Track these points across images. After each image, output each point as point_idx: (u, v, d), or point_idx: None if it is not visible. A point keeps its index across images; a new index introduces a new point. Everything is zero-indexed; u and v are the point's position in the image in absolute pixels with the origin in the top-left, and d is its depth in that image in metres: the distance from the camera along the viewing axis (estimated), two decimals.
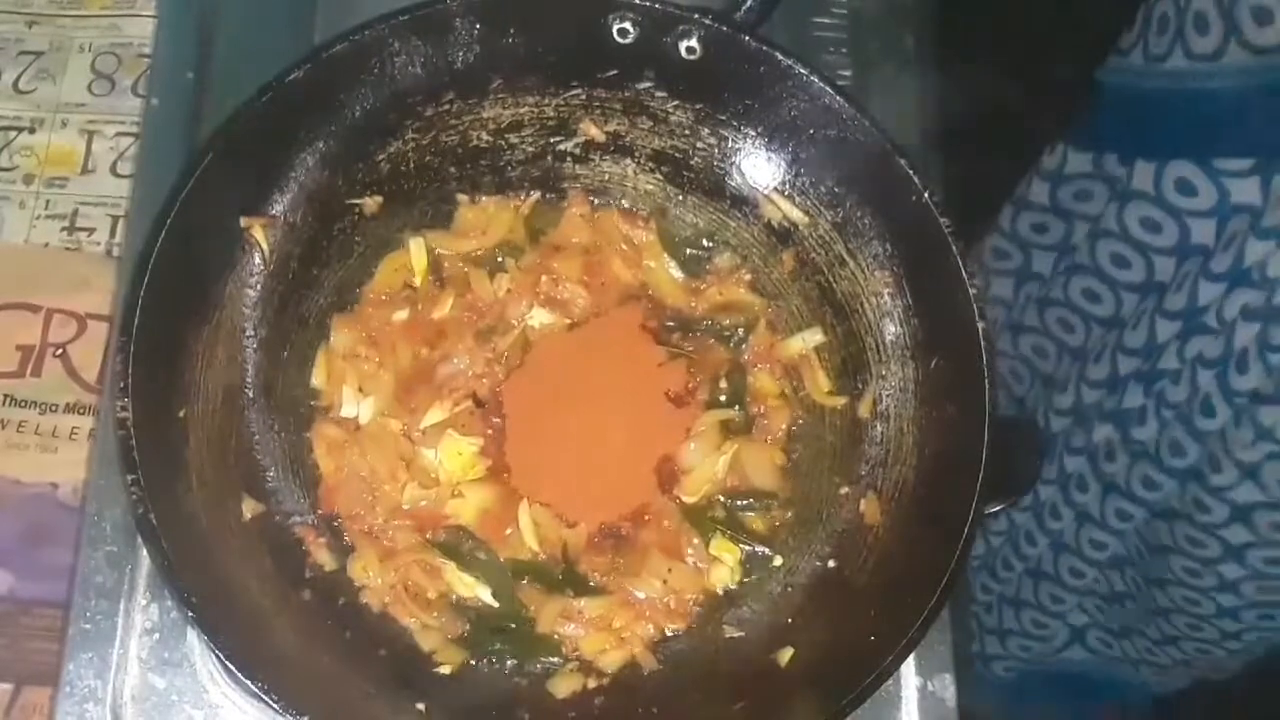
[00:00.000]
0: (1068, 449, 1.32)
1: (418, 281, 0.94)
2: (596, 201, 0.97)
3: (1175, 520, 1.27)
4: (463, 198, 0.96)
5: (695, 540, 0.89)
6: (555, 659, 0.86)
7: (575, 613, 0.86)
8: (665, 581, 0.88)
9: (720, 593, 0.89)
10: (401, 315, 0.93)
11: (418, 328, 0.93)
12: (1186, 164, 1.13)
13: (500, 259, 0.95)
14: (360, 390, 0.91)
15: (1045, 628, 1.52)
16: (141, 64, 1.19)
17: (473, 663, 0.85)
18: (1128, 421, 1.23)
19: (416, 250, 0.94)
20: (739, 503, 0.91)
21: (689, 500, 0.91)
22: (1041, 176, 1.31)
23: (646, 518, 0.90)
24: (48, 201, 1.15)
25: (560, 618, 0.86)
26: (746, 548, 0.90)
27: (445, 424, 0.90)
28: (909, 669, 0.93)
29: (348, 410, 0.90)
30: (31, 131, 1.18)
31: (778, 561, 0.90)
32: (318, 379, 0.91)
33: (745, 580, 0.89)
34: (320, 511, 0.88)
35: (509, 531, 0.89)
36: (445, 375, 0.92)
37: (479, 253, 0.95)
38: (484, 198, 0.96)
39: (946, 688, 0.92)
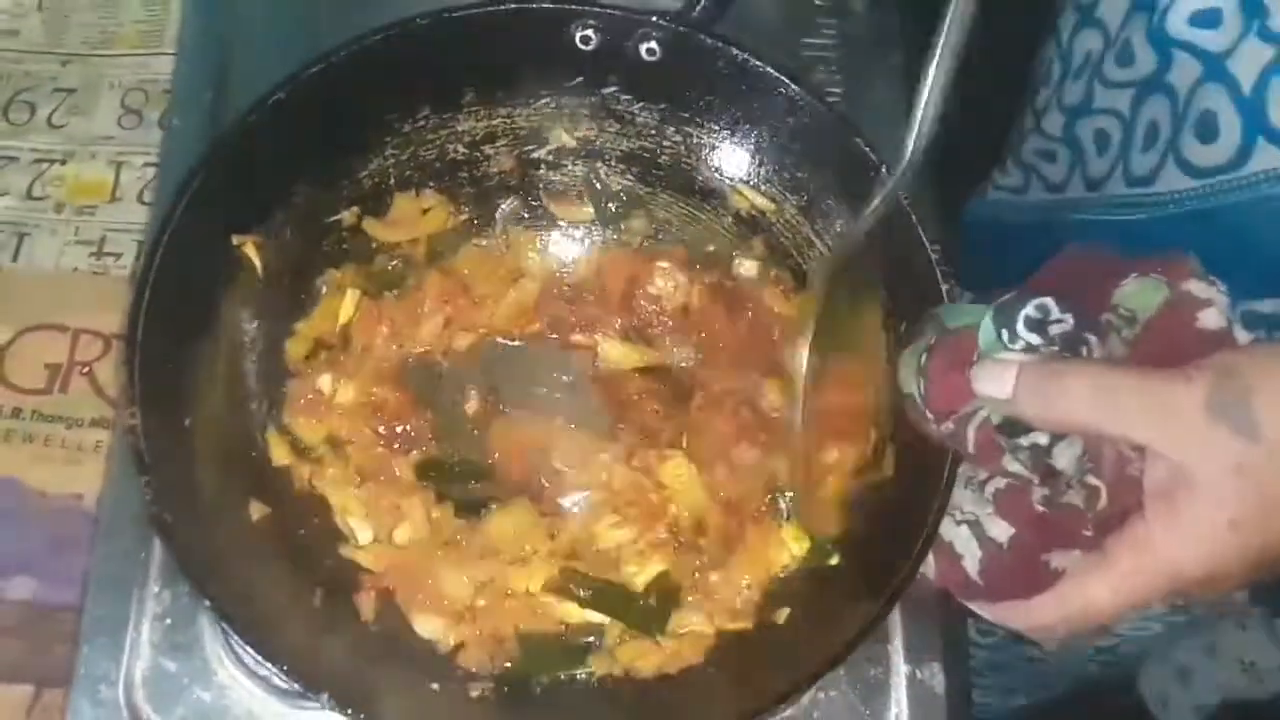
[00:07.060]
0: None
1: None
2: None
3: None
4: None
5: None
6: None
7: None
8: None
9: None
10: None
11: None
12: None
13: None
14: None
15: None
16: (168, 99, 1.24)
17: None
18: None
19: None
20: None
21: None
22: None
23: None
24: (77, 228, 1.22)
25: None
26: None
27: None
28: (899, 656, 0.93)
29: None
30: (63, 163, 1.24)
31: None
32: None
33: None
34: None
35: None
36: None
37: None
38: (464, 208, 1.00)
39: (935, 675, 0.93)
